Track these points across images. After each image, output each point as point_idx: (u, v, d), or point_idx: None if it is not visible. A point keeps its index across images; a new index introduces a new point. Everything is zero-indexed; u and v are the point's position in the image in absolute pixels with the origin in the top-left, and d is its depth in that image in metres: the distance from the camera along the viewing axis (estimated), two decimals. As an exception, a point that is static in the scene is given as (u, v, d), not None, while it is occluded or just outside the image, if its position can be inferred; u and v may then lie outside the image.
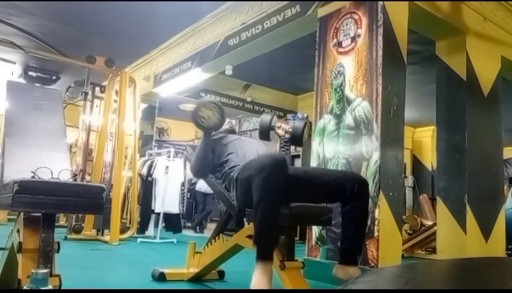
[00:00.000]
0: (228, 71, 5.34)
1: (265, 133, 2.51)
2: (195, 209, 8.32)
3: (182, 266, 2.75)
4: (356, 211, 2.03)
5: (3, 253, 1.98)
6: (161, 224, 5.37)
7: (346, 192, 2.04)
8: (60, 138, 2.28)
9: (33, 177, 1.70)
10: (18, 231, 1.78)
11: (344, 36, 3.38)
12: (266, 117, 2.54)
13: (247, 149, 2.39)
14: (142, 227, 5.61)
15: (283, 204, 1.95)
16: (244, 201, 2.13)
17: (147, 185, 5.68)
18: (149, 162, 5.82)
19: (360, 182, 2.08)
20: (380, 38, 3.09)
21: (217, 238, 2.47)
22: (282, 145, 2.63)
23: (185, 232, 6.78)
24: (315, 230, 3.30)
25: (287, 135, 2.57)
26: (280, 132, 2.55)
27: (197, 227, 7.75)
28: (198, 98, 6.52)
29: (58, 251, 1.71)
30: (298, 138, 2.52)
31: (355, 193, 2.02)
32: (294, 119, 4.48)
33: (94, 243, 4.75)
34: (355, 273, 1.92)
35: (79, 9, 4.93)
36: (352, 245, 2.04)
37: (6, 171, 1.94)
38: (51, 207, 1.67)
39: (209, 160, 2.33)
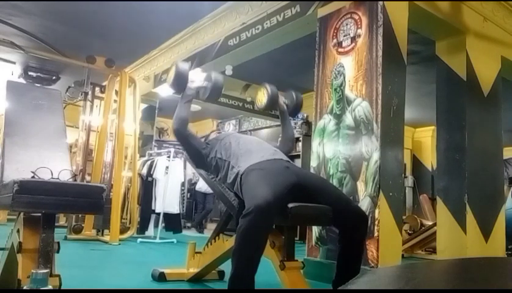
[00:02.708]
0: (228, 71, 5.34)
1: (275, 104, 2.65)
2: (195, 209, 8.33)
3: (182, 266, 2.75)
4: (352, 248, 1.99)
5: (3, 253, 1.98)
6: (161, 224, 5.37)
7: (344, 222, 1.99)
8: (60, 138, 2.28)
9: (33, 177, 1.70)
10: (18, 231, 1.78)
11: (344, 36, 3.38)
12: (274, 88, 2.65)
13: (248, 141, 2.38)
14: (142, 228, 5.61)
15: (260, 256, 1.77)
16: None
17: (147, 185, 5.68)
18: (149, 162, 5.82)
19: (362, 217, 2.03)
20: (380, 38, 3.09)
21: (217, 238, 2.47)
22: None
23: (185, 232, 6.78)
24: (315, 230, 3.30)
25: (284, 107, 2.68)
26: (281, 102, 2.70)
27: (197, 227, 7.76)
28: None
29: (58, 251, 1.71)
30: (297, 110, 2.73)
31: (353, 227, 1.98)
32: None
33: (94, 243, 4.74)
34: None
35: (79, 9, 4.93)
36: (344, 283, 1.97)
37: (6, 171, 1.94)
38: (51, 207, 1.67)
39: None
